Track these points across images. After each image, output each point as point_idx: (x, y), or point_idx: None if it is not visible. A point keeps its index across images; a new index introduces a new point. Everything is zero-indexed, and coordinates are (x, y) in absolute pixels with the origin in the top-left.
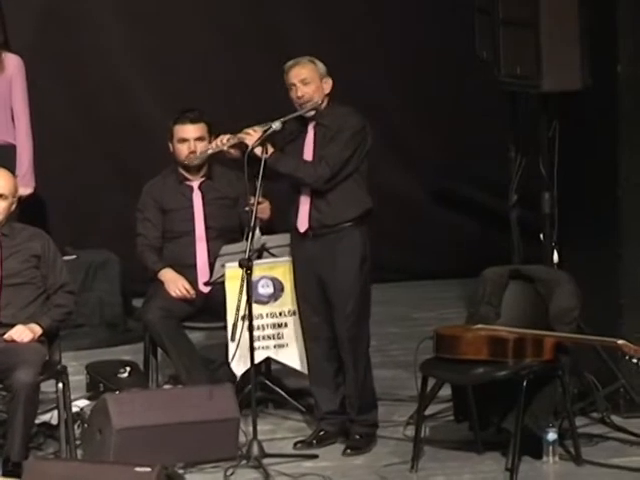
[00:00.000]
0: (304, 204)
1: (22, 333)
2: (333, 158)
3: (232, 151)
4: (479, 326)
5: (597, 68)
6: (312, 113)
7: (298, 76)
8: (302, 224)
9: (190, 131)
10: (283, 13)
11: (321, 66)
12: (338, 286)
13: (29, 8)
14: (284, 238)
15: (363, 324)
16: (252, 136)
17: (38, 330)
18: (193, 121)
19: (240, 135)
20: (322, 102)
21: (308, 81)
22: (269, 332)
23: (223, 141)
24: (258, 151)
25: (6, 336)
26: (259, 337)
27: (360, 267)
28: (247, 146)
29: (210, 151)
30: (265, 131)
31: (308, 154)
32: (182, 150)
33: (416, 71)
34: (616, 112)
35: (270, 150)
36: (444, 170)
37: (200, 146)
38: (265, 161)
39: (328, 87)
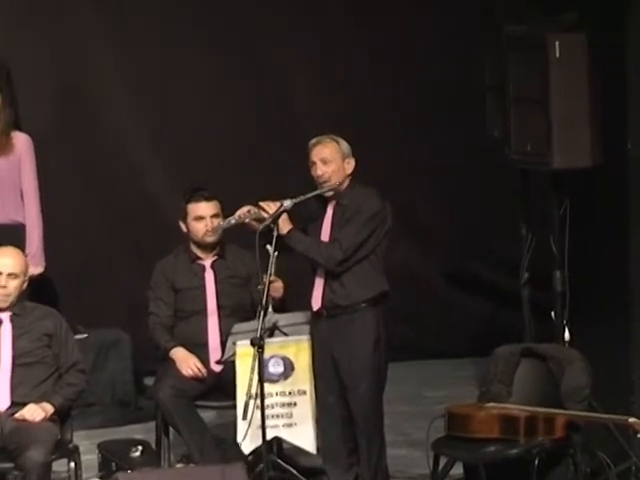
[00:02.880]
0: (319, 283)
1: (34, 412)
2: (347, 241)
3: (252, 224)
4: (491, 404)
5: (607, 145)
6: (331, 193)
7: (319, 154)
8: (316, 303)
9: (206, 209)
10: (297, 89)
11: (345, 146)
12: (350, 367)
13: (41, 87)
14: (296, 317)
15: (377, 405)
16: (267, 212)
17: (50, 409)
18: (208, 199)
19: (260, 214)
20: (342, 182)
21: (329, 160)
22: (279, 411)
23: (244, 213)
24: (282, 224)
25: (18, 415)
26: (268, 416)
27: (374, 349)
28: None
29: (233, 221)
30: (278, 209)
31: (325, 234)
32: (199, 228)
33: (430, 150)
34: (627, 190)
35: (286, 225)
36: (456, 249)
37: (215, 222)
38: (281, 237)
39: (350, 167)
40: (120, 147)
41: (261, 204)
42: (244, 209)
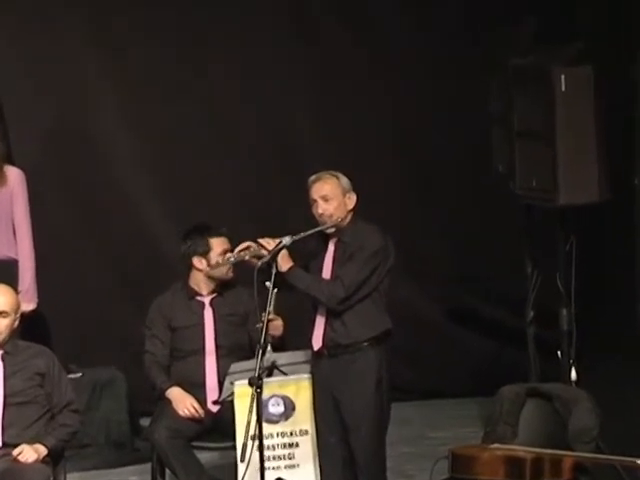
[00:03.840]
0: (320, 322)
1: (26, 453)
2: (349, 278)
3: (252, 261)
4: (495, 445)
5: (614, 180)
6: (332, 230)
7: (319, 192)
8: (316, 342)
9: (226, 244)
10: (297, 124)
11: (345, 181)
12: (351, 408)
13: (33, 122)
14: (296, 356)
15: (379, 446)
16: (266, 248)
17: (43, 450)
18: (225, 234)
19: (259, 251)
20: (344, 218)
21: (330, 197)
22: (280, 452)
23: (244, 250)
24: (281, 260)
25: (11, 457)
26: (269, 457)
27: (375, 388)
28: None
29: (232, 259)
30: (276, 246)
31: (327, 271)
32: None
33: (433, 185)
34: (635, 225)
35: (286, 262)
36: (459, 286)
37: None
38: (281, 275)
39: (351, 203)
40: (115, 181)
41: (260, 241)
42: (243, 245)
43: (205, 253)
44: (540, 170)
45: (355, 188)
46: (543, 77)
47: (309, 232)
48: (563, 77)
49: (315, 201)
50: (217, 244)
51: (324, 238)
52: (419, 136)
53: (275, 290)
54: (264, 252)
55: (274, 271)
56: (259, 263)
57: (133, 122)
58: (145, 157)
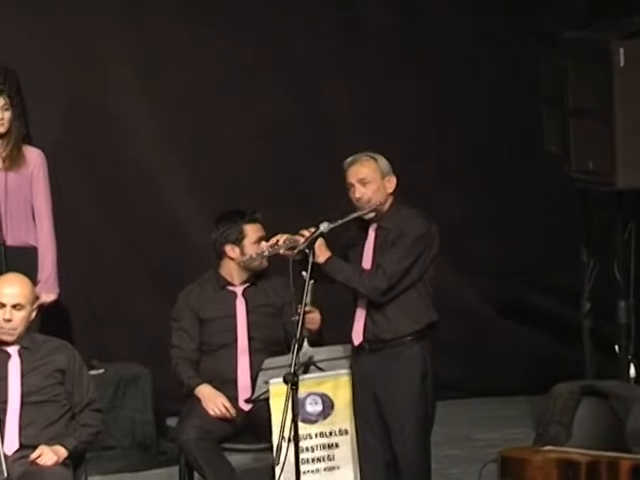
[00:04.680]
0: (360, 315)
1: (45, 456)
2: (391, 267)
3: (288, 253)
4: (548, 448)
5: None
6: (371, 215)
7: (356, 175)
8: (357, 336)
9: (261, 230)
10: (336, 105)
11: (384, 163)
12: (394, 406)
13: (53, 102)
14: (334, 351)
15: (424, 448)
16: (303, 238)
17: (63, 453)
18: (260, 221)
19: (296, 237)
20: (384, 203)
21: (367, 181)
22: (319, 454)
23: (280, 242)
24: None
25: (29, 459)
26: (308, 460)
27: (420, 386)
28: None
29: (267, 252)
30: (313, 233)
31: (367, 261)
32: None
33: (481, 170)
34: None
35: (323, 252)
36: (509, 276)
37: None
38: (317, 266)
39: (391, 186)
40: (138, 164)
41: (302, 232)
42: (279, 238)
43: (239, 241)
44: (596, 151)
45: (399, 172)
46: (600, 51)
47: (347, 218)
48: (622, 51)
49: (352, 185)
50: (251, 231)
51: (364, 225)
52: (464, 118)
53: (312, 281)
54: (300, 243)
55: (311, 260)
56: (295, 251)
57: (158, 98)
58: (171, 137)
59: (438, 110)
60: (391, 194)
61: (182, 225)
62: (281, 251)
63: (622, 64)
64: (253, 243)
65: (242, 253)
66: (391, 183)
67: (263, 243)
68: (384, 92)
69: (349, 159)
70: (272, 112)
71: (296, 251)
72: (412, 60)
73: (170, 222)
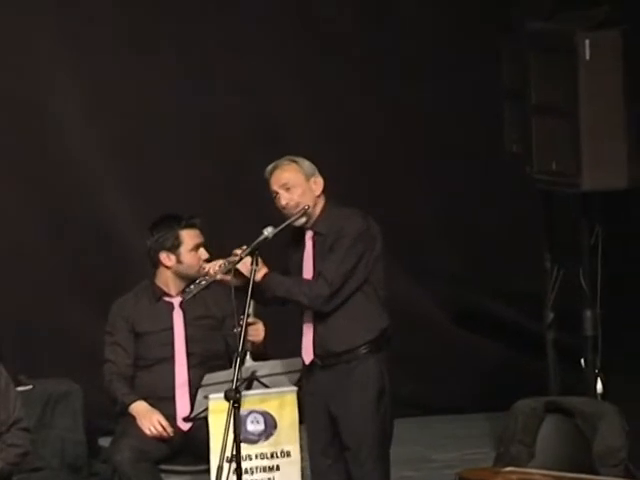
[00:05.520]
0: (307, 330)
1: None
2: (331, 272)
3: (226, 278)
4: (510, 469)
5: None
6: (303, 220)
7: (279, 181)
8: (307, 354)
9: (199, 237)
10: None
11: (306, 165)
12: (351, 426)
13: None
14: (278, 365)
15: (382, 470)
16: (239, 256)
17: None
18: (199, 226)
19: (231, 258)
20: (314, 205)
21: (291, 185)
22: (259, 477)
23: (215, 269)
24: (246, 269)
25: None
26: None
27: (377, 402)
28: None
29: (204, 282)
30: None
31: (308, 270)
32: (196, 259)
33: (436, 170)
34: None
35: (259, 269)
36: (465, 283)
37: (203, 253)
38: (256, 283)
39: (318, 187)
40: (72, 168)
41: (235, 251)
42: (214, 264)
43: (175, 248)
44: (561, 151)
45: (353, 173)
46: (565, 43)
47: (281, 227)
48: (587, 43)
49: (276, 193)
50: (188, 237)
51: (299, 234)
52: (420, 114)
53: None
54: (239, 266)
55: (252, 275)
56: (237, 259)
57: (98, 107)
58: (107, 140)
59: (396, 112)
60: (319, 196)
61: (117, 231)
62: (218, 277)
63: (588, 57)
64: (190, 250)
65: (178, 261)
66: (317, 185)
67: (206, 265)
68: (339, 93)
69: (269, 167)
70: (215, 114)
71: (237, 258)
72: (371, 60)
73: (104, 228)
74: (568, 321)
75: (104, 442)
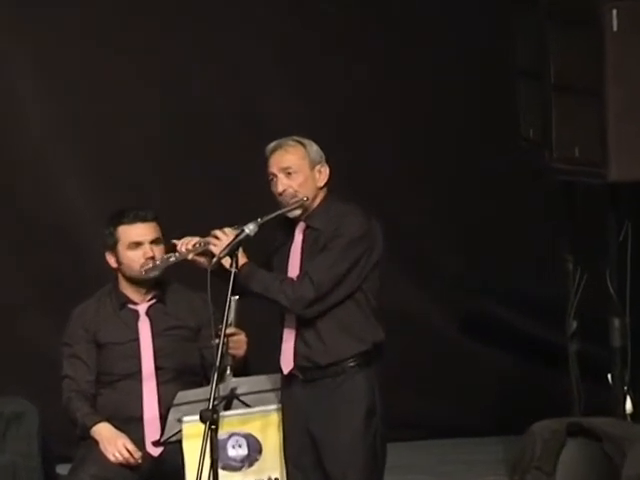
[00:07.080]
0: (288, 336)
1: None
2: (320, 274)
3: (200, 259)
4: None
5: None
6: (297, 213)
7: (279, 163)
8: (286, 363)
9: (143, 232)
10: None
11: (314, 150)
12: (335, 449)
13: None
14: (262, 382)
15: None
16: (221, 242)
17: None
18: (144, 219)
19: (208, 239)
20: (314, 198)
21: (293, 170)
22: None
23: (188, 247)
24: (227, 262)
25: None
26: None
27: (365, 423)
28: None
29: (173, 259)
30: (236, 236)
31: (294, 267)
32: (135, 258)
33: (441, 160)
34: None
35: (242, 260)
36: (478, 291)
37: (157, 251)
38: (235, 276)
39: (323, 178)
40: (28, 164)
41: (215, 232)
42: (188, 241)
43: (113, 246)
44: (585, 137)
45: (349, 166)
46: (589, 14)
47: (267, 217)
48: (615, 13)
49: (274, 175)
50: (124, 233)
51: (290, 225)
52: (421, 95)
53: (236, 297)
54: (214, 247)
55: (233, 270)
56: (213, 261)
57: (52, 92)
58: (66, 135)
59: (404, 91)
60: (322, 187)
61: (76, 232)
62: (190, 256)
63: (615, 29)
64: (127, 248)
65: (118, 261)
66: (322, 174)
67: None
68: (334, 82)
69: (272, 144)
70: (181, 106)
71: (214, 261)
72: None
73: (63, 228)
74: (593, 331)
75: (62, 470)
